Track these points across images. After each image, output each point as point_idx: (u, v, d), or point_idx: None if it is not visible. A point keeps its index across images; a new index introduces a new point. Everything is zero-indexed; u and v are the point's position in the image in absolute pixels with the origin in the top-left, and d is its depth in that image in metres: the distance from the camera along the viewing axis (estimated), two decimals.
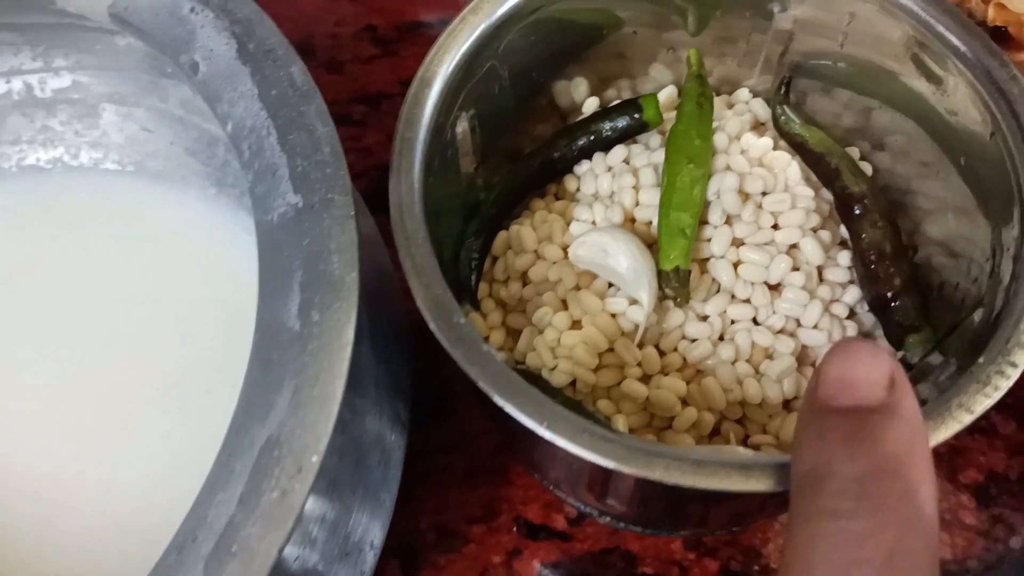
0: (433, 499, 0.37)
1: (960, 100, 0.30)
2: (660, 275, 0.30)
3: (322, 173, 0.27)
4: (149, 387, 0.34)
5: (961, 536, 0.37)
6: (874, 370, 0.21)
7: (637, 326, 0.30)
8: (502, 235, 0.34)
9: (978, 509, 0.39)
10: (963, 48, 0.29)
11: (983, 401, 0.24)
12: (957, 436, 0.40)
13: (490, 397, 0.24)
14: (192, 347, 0.35)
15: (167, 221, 0.39)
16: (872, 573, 0.19)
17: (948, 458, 0.40)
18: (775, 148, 0.34)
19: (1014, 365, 0.24)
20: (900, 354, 0.31)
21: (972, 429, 0.41)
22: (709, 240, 0.31)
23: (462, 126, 0.31)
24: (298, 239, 0.26)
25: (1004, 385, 0.24)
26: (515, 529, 0.36)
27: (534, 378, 0.32)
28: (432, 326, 0.25)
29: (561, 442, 0.23)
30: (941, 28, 0.29)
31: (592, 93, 0.36)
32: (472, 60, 0.30)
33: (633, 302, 0.30)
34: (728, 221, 0.32)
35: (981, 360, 0.25)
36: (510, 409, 0.24)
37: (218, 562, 0.21)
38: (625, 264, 0.29)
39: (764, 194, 0.32)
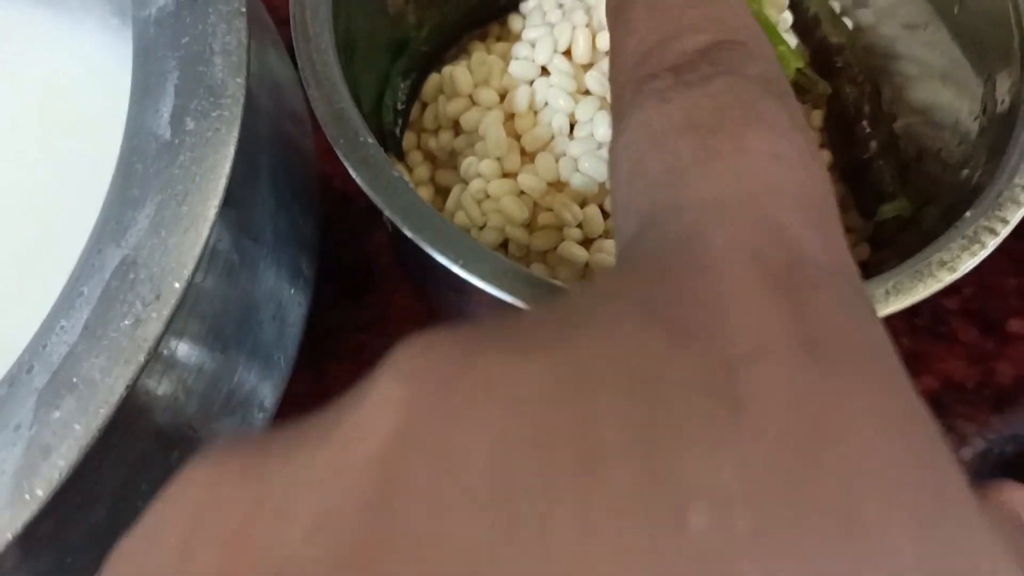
0: (347, 377, 0.34)
1: None
2: None
3: None
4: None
5: None
6: None
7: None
8: (434, 78, 0.30)
9: None
10: None
11: (967, 260, 0.21)
12: (915, 340, 0.38)
13: (401, 230, 0.20)
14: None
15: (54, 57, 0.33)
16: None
17: (904, 362, 0.38)
18: None
19: (1004, 221, 0.21)
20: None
21: (931, 334, 0.39)
22: None
23: None
24: (176, 37, 0.22)
25: (991, 243, 0.21)
26: None
27: None
28: (334, 144, 0.21)
29: (479, 283, 0.20)
30: None
31: None
32: None
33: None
34: None
35: (968, 214, 0.21)
36: (420, 242, 0.20)
37: (54, 395, 0.18)
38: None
39: None
